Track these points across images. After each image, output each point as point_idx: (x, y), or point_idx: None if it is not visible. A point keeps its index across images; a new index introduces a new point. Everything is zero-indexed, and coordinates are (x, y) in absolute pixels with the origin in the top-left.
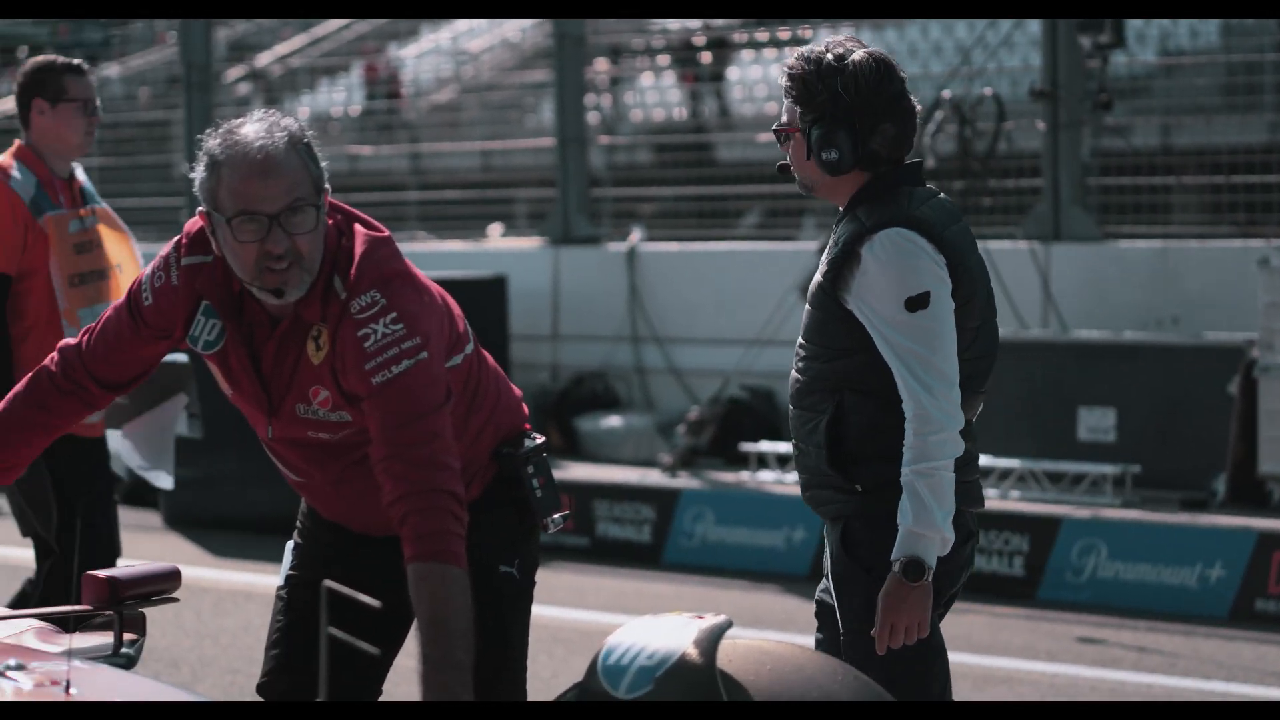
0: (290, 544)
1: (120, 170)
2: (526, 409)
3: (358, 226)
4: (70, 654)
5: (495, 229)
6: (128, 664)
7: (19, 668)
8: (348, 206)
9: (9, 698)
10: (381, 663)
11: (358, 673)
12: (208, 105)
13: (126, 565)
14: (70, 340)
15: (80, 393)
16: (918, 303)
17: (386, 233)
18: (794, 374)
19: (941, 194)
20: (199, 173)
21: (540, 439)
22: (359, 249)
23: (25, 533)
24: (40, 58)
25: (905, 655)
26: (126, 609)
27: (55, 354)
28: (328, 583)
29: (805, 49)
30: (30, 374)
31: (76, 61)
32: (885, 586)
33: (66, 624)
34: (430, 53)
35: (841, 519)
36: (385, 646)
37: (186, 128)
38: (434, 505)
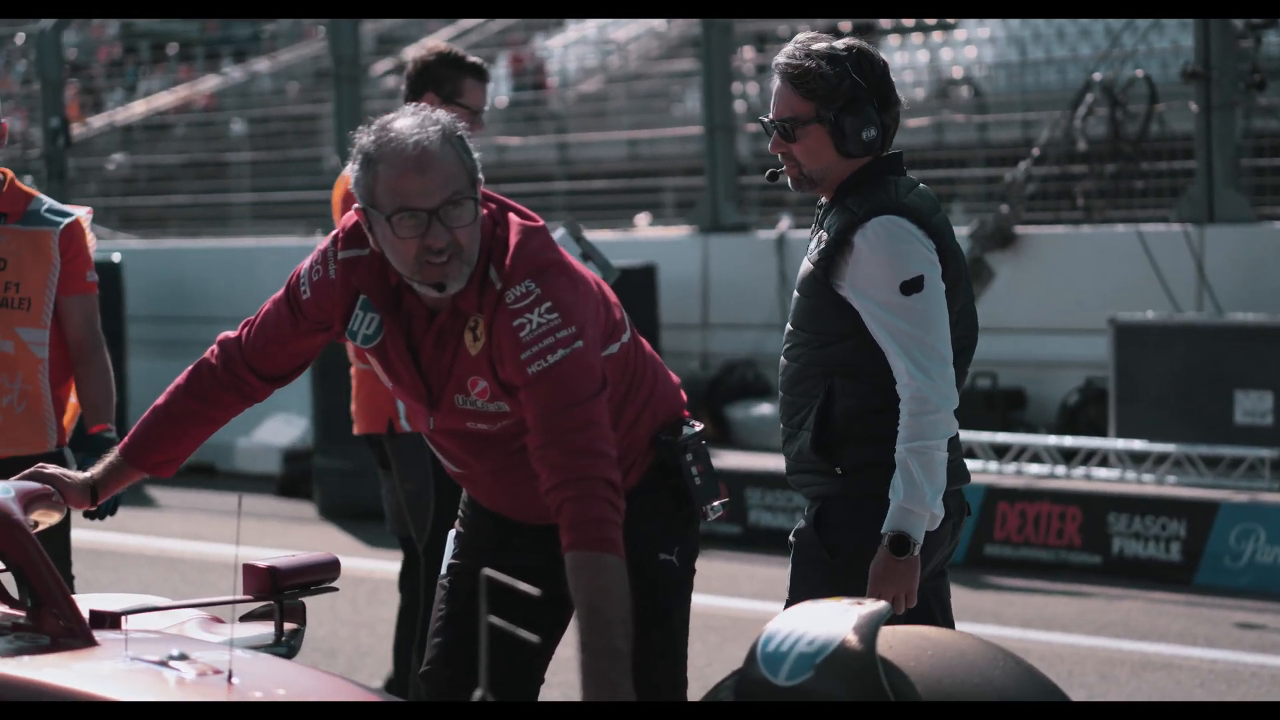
0: (452, 533)
1: (270, 164)
2: (685, 396)
3: (512, 216)
4: (232, 643)
5: (642, 218)
6: (288, 653)
7: (182, 657)
8: (501, 196)
9: (172, 686)
10: (542, 652)
11: (519, 661)
12: (357, 99)
13: (285, 555)
14: (230, 333)
15: (240, 385)
16: (912, 286)
17: (540, 222)
18: (784, 360)
19: (921, 184)
20: (354, 170)
21: (699, 426)
22: (513, 239)
23: (395, 532)
24: (442, 46)
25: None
26: (286, 598)
27: (215, 347)
28: (487, 571)
29: (795, 48)
30: (191, 367)
31: (480, 63)
32: (875, 558)
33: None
34: (576, 43)
35: (820, 499)
36: (546, 635)
37: (336, 121)
38: (590, 493)
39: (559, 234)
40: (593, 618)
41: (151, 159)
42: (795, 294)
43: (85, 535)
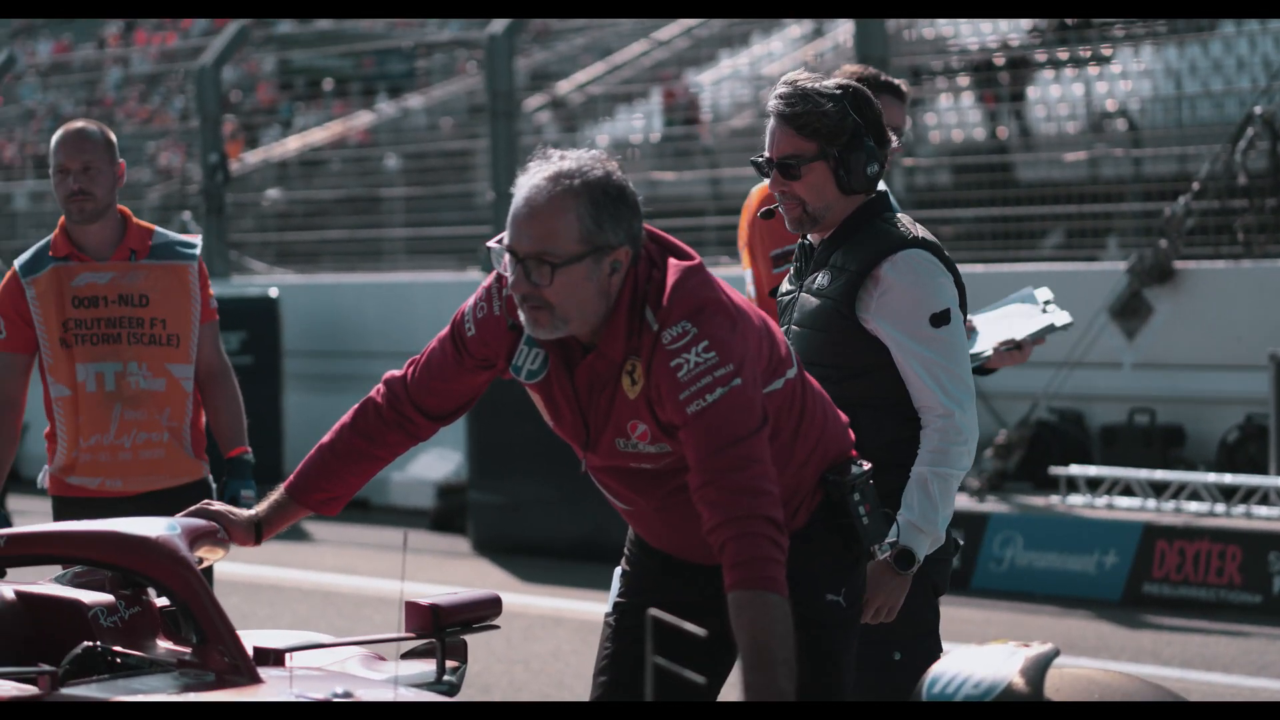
0: (618, 570)
1: (424, 199)
2: (853, 435)
3: (670, 258)
4: (396, 681)
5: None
6: (450, 691)
7: (346, 695)
8: (663, 235)
9: None
10: (708, 692)
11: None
12: (512, 133)
13: (447, 592)
14: (396, 372)
15: (405, 424)
16: (941, 319)
17: (698, 260)
18: None
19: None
20: None
21: (866, 465)
22: (670, 279)
23: None
24: (857, 68)
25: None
26: (448, 636)
27: (381, 385)
28: (653, 611)
29: (790, 88)
30: (357, 405)
31: (899, 83)
32: (873, 567)
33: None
34: (729, 78)
35: None
36: (711, 675)
37: (493, 156)
38: (752, 532)
39: (1023, 293)
40: (755, 657)
41: (306, 194)
42: (794, 329)
43: (243, 570)
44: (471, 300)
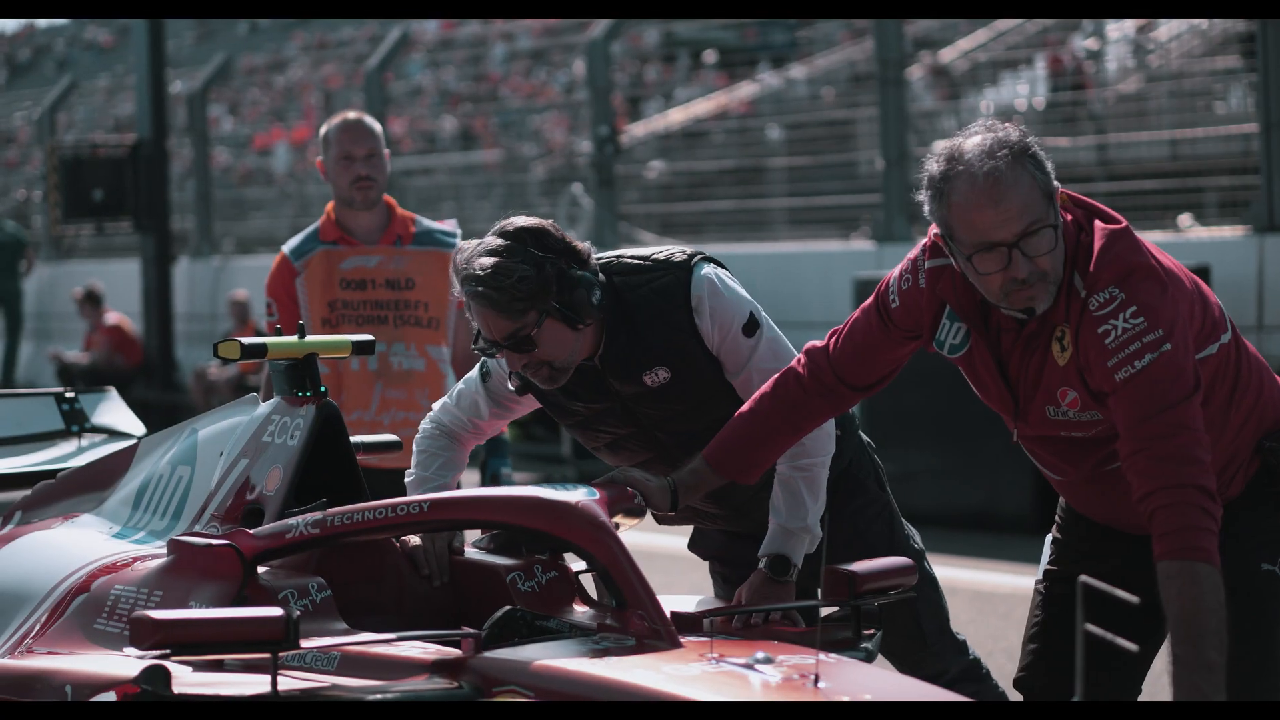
0: (1049, 538)
1: (806, 169)
2: None
3: (1097, 221)
4: (818, 646)
5: (1184, 219)
6: (866, 658)
7: (767, 660)
8: (1085, 199)
9: (757, 690)
10: (1140, 662)
11: (1115, 671)
12: (901, 101)
13: (866, 562)
14: (817, 343)
15: (827, 394)
16: (750, 326)
17: (1124, 223)
18: None
19: None
20: (926, 198)
21: None
22: (1097, 244)
23: None
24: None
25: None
26: (864, 603)
27: (802, 356)
28: (1084, 579)
29: (471, 276)
30: (776, 375)
31: None
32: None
33: (806, 617)
34: (1116, 42)
35: None
36: (1145, 645)
37: (882, 124)
38: (1182, 500)
39: None
40: (1185, 629)
41: (689, 165)
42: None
43: (636, 538)
44: (896, 271)
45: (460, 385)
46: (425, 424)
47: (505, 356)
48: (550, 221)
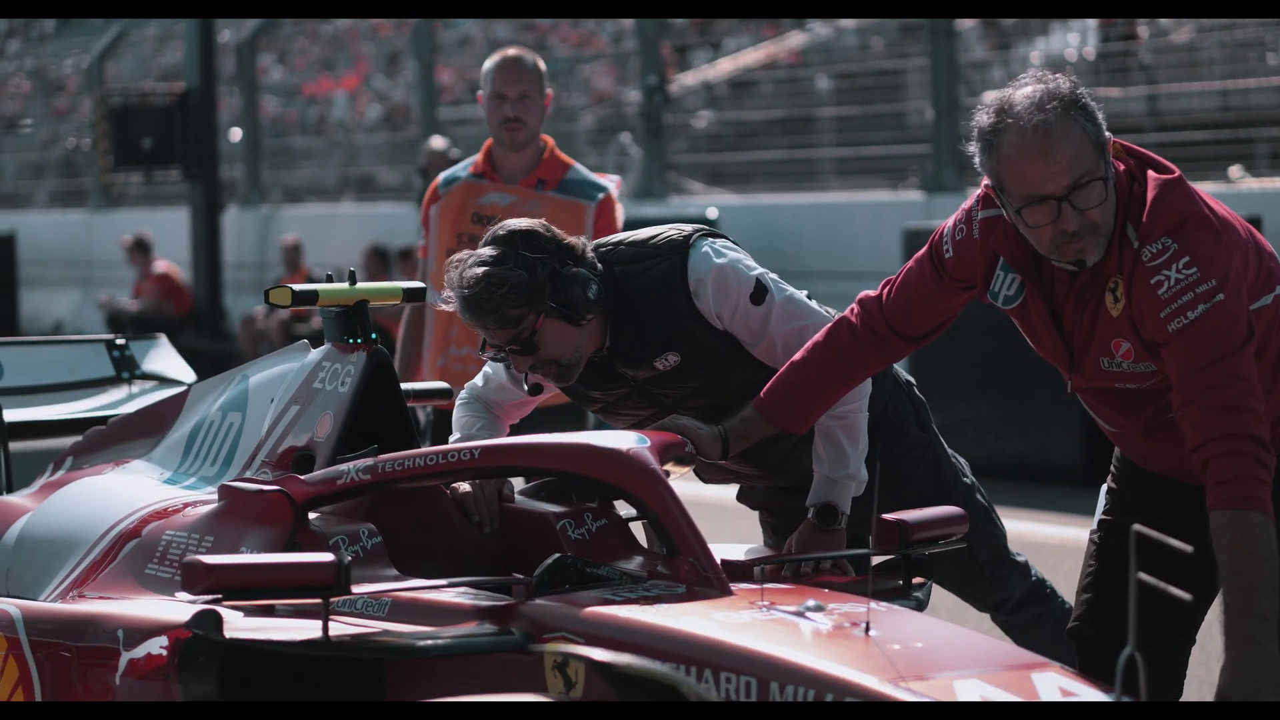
0: (1104, 488)
1: (855, 119)
2: None
3: (1150, 171)
4: (870, 594)
5: (1235, 170)
6: (918, 607)
7: (818, 608)
8: (1138, 148)
9: (808, 638)
10: (1195, 611)
11: (1168, 620)
12: (951, 50)
13: (916, 510)
14: (870, 292)
15: (880, 343)
16: (759, 295)
17: (1177, 173)
18: None
19: None
20: (976, 150)
21: None
22: (1150, 194)
23: None
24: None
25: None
26: (915, 552)
27: (855, 305)
28: (1137, 528)
29: (462, 291)
30: (829, 324)
31: None
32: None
33: (856, 565)
34: None
35: None
36: (1198, 594)
37: (932, 74)
38: (1234, 450)
39: None
40: (1236, 578)
41: (738, 115)
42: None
43: (684, 487)
44: (950, 221)
45: (487, 368)
46: (463, 394)
47: (512, 360)
48: (541, 222)
